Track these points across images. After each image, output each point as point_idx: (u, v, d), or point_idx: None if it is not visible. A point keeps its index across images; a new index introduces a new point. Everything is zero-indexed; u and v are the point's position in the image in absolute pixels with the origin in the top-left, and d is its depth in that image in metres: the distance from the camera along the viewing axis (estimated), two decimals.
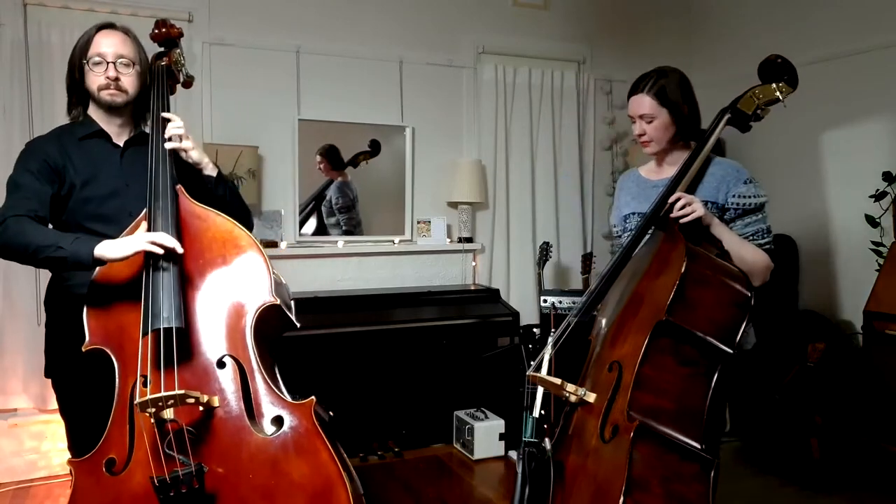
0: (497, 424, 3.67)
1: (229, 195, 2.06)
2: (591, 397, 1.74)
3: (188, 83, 2.13)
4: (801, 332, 3.74)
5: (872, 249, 3.67)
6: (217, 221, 1.83)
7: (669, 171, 2.05)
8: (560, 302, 3.97)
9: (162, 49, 2.07)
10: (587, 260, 4.29)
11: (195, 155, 1.96)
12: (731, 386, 1.80)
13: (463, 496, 3.24)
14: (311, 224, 4.05)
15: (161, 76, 2.01)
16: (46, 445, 3.39)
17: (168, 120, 1.93)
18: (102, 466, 1.67)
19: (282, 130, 3.88)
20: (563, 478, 1.72)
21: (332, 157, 4.03)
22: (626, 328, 1.77)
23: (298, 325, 1.91)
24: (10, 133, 3.29)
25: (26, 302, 3.34)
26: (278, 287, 1.82)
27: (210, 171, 2.01)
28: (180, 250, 1.71)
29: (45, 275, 3.30)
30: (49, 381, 2.03)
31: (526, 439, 1.77)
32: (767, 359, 3.84)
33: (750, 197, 1.96)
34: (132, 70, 1.95)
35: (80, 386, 1.83)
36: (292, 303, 1.95)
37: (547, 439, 1.75)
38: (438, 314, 3.85)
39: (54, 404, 3.32)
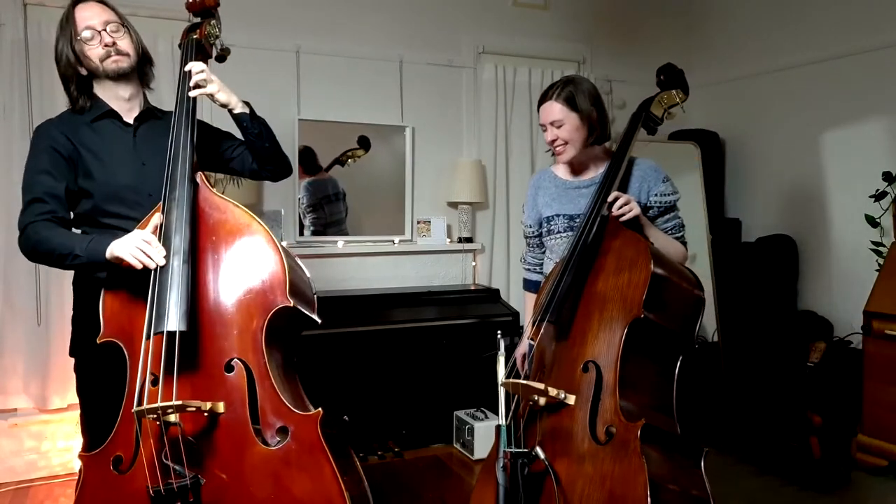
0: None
1: (266, 132, 2.00)
2: (570, 399, 1.73)
3: (222, 57, 2.00)
4: (801, 332, 3.74)
5: (872, 249, 3.66)
6: (235, 214, 1.74)
7: (586, 171, 2.12)
8: None
9: (197, 20, 1.96)
10: None
11: (223, 97, 1.91)
12: (700, 379, 1.90)
13: (463, 496, 3.23)
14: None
15: (189, 51, 1.91)
16: (46, 445, 3.39)
17: (189, 71, 1.85)
18: (110, 463, 1.62)
19: (282, 130, 3.86)
20: (559, 483, 1.70)
21: (305, 160, 3.94)
22: (591, 327, 1.79)
23: (319, 321, 1.79)
24: (10, 133, 3.29)
25: (26, 302, 3.35)
26: (296, 286, 1.72)
27: (240, 108, 1.96)
28: (160, 263, 1.61)
29: (46, 275, 3.37)
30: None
31: (511, 450, 1.72)
32: (767, 359, 3.84)
33: (669, 195, 2.06)
34: (124, 32, 1.88)
35: (99, 371, 1.79)
36: (315, 298, 1.85)
37: (538, 447, 1.71)
38: (438, 314, 3.85)
39: (54, 404, 3.40)
